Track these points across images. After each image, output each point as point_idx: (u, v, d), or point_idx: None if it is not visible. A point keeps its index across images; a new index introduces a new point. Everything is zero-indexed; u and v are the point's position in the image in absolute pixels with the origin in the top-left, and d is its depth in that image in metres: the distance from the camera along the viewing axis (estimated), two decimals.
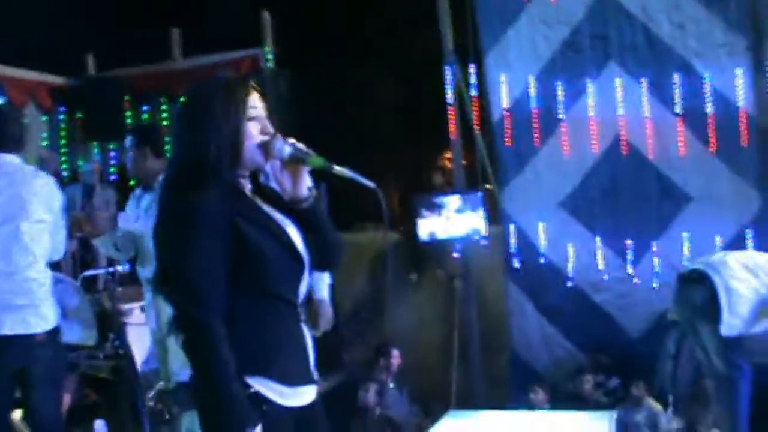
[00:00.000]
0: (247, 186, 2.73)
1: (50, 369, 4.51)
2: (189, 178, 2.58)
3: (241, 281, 2.57)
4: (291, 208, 2.75)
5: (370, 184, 2.76)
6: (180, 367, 4.91)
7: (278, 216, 2.72)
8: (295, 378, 2.67)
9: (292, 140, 2.72)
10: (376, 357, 8.80)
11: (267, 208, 2.72)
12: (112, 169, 11.10)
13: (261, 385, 2.56)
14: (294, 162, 2.71)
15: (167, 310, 4.76)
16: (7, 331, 4.37)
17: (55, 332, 4.57)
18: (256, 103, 2.69)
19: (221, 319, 2.51)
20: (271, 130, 2.70)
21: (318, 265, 2.79)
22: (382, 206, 2.66)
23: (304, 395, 2.72)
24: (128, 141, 5.43)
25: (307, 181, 2.75)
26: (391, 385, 8.65)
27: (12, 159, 4.53)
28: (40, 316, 4.46)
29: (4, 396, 4.51)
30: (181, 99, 10.69)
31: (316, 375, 2.77)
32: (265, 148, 2.68)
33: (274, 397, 2.59)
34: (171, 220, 2.59)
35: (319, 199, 2.78)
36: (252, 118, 2.66)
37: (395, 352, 8.76)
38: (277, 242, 2.65)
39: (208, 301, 2.50)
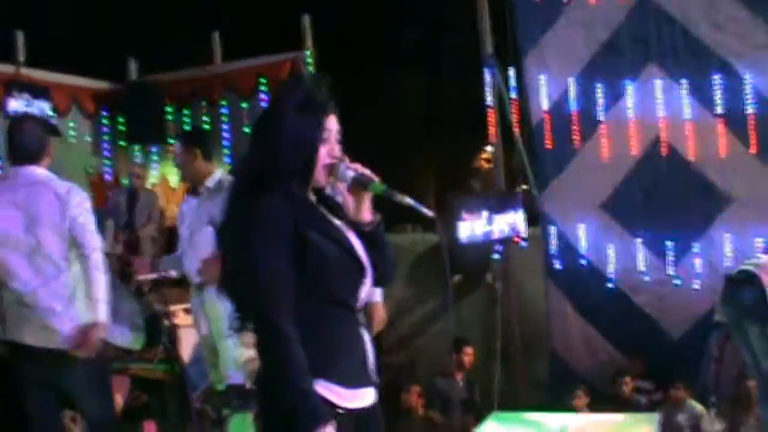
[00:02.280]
0: (311, 197, 2.80)
1: (90, 377, 4.45)
2: (258, 183, 2.66)
3: (303, 285, 2.63)
4: (354, 223, 2.83)
5: (429, 212, 2.82)
6: (233, 370, 5.01)
7: (339, 223, 2.80)
8: (354, 380, 2.73)
9: (357, 165, 2.79)
10: (448, 353, 8.84)
11: (330, 216, 2.79)
12: (154, 172, 11.23)
13: (322, 388, 2.62)
14: (356, 187, 2.79)
15: (218, 315, 4.90)
16: (38, 343, 4.32)
17: None
18: (331, 125, 2.77)
19: (292, 320, 2.58)
20: (338, 153, 2.78)
21: (376, 281, 2.88)
22: (440, 240, 2.74)
23: (364, 397, 2.79)
24: (178, 144, 5.52)
25: (369, 206, 2.81)
26: (461, 383, 8.71)
27: (31, 171, 4.45)
28: (71, 327, 4.34)
29: (48, 407, 4.47)
30: (222, 102, 10.91)
31: (375, 377, 2.83)
32: (329, 170, 2.76)
33: (335, 399, 2.65)
34: (241, 222, 2.65)
35: (382, 222, 2.84)
36: (325, 140, 2.75)
37: (468, 349, 8.80)
38: (339, 248, 2.71)
39: (281, 303, 2.57)
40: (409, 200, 2.76)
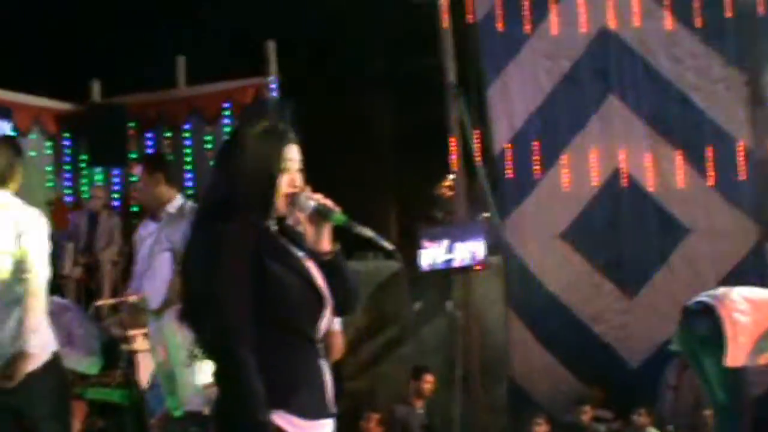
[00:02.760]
0: (273, 226, 2.80)
1: (52, 401, 4.37)
2: (220, 211, 2.66)
3: (262, 315, 2.62)
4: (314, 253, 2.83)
5: (389, 246, 2.85)
6: (191, 396, 4.97)
7: (300, 254, 2.80)
8: (313, 411, 2.71)
9: (318, 195, 2.80)
10: (408, 380, 8.84)
11: (290, 246, 2.79)
12: (115, 196, 11.15)
13: (280, 419, 2.60)
14: (317, 217, 2.78)
15: (176, 342, 4.87)
16: None
17: (51, 363, 4.37)
18: (292, 155, 2.78)
19: (251, 349, 2.56)
20: (299, 182, 2.79)
21: (337, 310, 2.87)
22: (400, 268, 2.76)
23: (323, 428, 2.77)
24: (139, 168, 5.48)
25: (329, 236, 2.82)
26: (420, 411, 8.70)
27: None
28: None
29: (4, 428, 4.40)
30: (186, 126, 10.88)
31: (333, 408, 2.83)
32: (290, 199, 2.77)
33: (293, 430, 2.63)
34: (201, 250, 2.65)
35: (342, 252, 2.85)
36: (285, 170, 2.76)
37: (428, 377, 8.80)
38: (299, 279, 2.70)
39: (240, 332, 2.56)
40: (369, 232, 2.77)
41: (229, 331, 2.56)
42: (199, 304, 2.64)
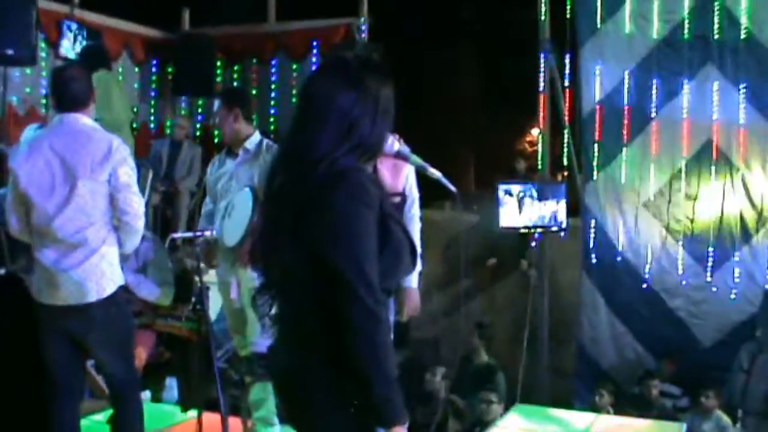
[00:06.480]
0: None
1: (108, 334, 4.35)
2: (340, 155, 2.50)
3: None
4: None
5: (453, 188, 2.80)
6: (258, 338, 4.95)
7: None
8: None
9: (396, 136, 2.73)
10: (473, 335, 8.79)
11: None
12: (198, 125, 11.20)
13: None
14: (398, 158, 2.74)
15: (251, 281, 4.83)
16: (59, 302, 4.26)
17: (112, 298, 4.32)
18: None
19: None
20: None
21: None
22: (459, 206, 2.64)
23: None
24: (218, 102, 5.41)
25: (403, 178, 2.77)
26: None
27: (75, 118, 4.33)
28: (92, 285, 4.24)
29: (73, 359, 4.45)
30: (273, 62, 10.85)
31: None
32: None
33: None
34: (331, 196, 2.44)
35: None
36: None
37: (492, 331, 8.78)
38: (404, 233, 2.61)
39: (375, 287, 2.43)
40: (438, 175, 2.76)
41: (372, 291, 2.42)
42: (344, 263, 2.43)
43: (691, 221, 8.83)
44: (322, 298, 2.45)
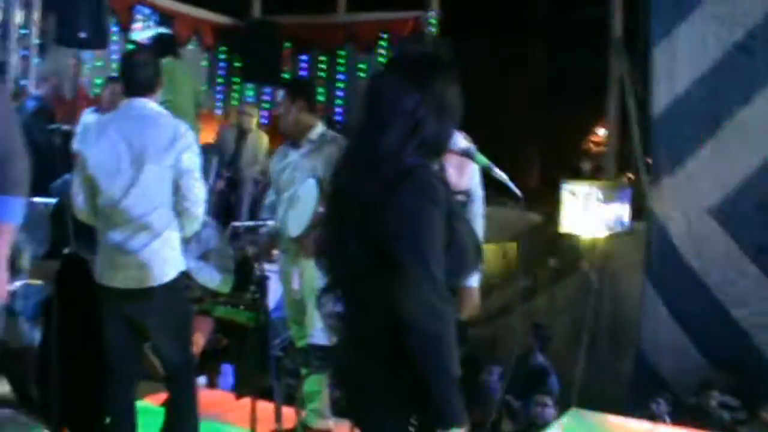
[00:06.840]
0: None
1: (167, 318, 4.38)
2: (414, 158, 2.48)
3: None
4: None
5: (518, 192, 2.83)
6: (317, 330, 4.94)
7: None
8: None
9: (463, 134, 2.72)
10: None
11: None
12: (265, 113, 11.26)
13: None
14: (464, 156, 2.77)
15: (311, 273, 4.82)
16: (120, 284, 4.29)
17: (173, 283, 4.33)
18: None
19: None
20: None
21: None
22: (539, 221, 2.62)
23: None
24: (282, 93, 5.41)
25: (468, 176, 2.76)
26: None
27: (143, 103, 4.34)
28: (154, 269, 4.26)
29: (131, 342, 4.50)
30: (341, 52, 10.87)
31: None
32: None
33: None
34: (400, 194, 2.43)
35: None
36: None
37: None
38: (470, 237, 2.60)
39: (443, 290, 2.41)
40: (503, 176, 2.78)
41: (441, 294, 2.40)
42: (413, 262, 2.42)
43: (758, 231, 8.63)
44: (386, 296, 2.42)
